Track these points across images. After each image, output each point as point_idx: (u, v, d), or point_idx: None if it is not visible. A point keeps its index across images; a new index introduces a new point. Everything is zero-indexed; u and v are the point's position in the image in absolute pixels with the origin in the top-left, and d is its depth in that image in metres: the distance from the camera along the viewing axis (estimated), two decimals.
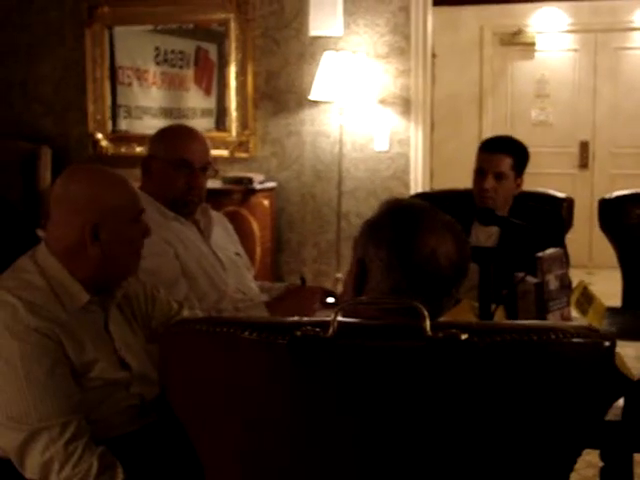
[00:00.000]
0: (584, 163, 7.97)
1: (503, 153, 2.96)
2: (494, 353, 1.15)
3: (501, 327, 1.20)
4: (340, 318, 1.18)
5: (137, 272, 2.06)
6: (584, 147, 7.95)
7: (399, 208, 1.49)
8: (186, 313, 2.25)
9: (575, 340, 1.17)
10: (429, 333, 1.14)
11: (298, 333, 1.16)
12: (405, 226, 1.43)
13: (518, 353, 1.15)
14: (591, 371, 1.19)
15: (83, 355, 1.83)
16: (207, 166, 2.63)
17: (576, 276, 2.44)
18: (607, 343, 1.18)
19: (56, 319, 1.80)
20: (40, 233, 1.96)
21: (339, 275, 4.84)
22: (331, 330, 1.16)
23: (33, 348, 1.75)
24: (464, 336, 1.14)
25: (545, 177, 6.11)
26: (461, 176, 5.47)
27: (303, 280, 2.71)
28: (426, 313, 1.15)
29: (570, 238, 3.12)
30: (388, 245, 1.41)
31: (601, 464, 2.48)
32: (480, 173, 2.98)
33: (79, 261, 1.88)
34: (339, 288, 4.08)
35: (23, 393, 1.73)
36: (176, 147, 2.59)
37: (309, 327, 1.18)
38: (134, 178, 2.71)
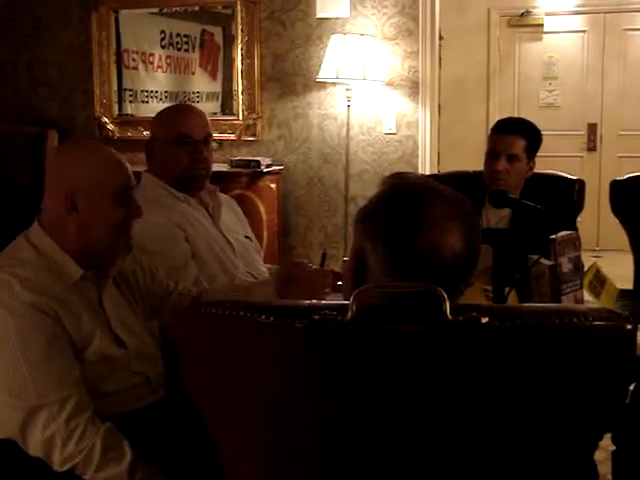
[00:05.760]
0: (592, 146, 7.92)
1: (516, 135, 2.93)
2: (515, 336, 1.13)
3: (522, 310, 1.18)
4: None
5: (131, 251, 2.04)
6: (592, 129, 7.91)
7: (397, 194, 1.36)
8: (181, 289, 2.26)
9: (597, 323, 1.15)
10: (449, 317, 1.12)
11: (316, 317, 1.14)
12: (403, 220, 1.30)
13: (539, 336, 1.14)
14: (613, 354, 1.17)
15: (81, 329, 1.84)
16: (208, 138, 2.63)
17: (584, 259, 2.42)
18: (629, 326, 1.17)
19: (52, 293, 1.81)
20: None
21: (346, 259, 4.82)
22: (349, 314, 1.14)
23: (29, 324, 1.75)
24: (484, 319, 1.12)
25: (553, 160, 6.07)
26: (468, 158, 5.46)
27: (324, 255, 2.66)
28: (445, 296, 1.13)
29: (578, 221, 3.10)
30: (384, 242, 1.31)
31: (613, 447, 2.47)
32: (492, 155, 2.94)
33: (63, 232, 1.89)
34: None
35: (20, 369, 1.73)
36: (174, 123, 2.60)
37: (327, 311, 1.16)
38: (141, 162, 2.71)
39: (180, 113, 2.67)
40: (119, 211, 1.93)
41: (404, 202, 1.33)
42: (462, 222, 1.32)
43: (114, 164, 1.94)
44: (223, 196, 2.81)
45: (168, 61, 5.44)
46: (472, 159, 4.04)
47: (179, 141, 2.57)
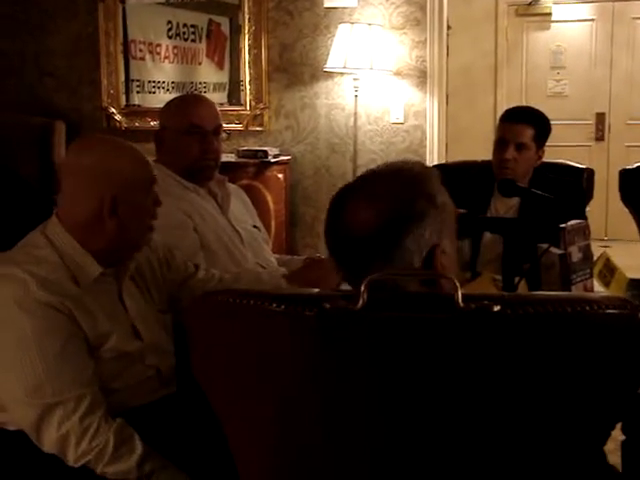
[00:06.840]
0: (600, 135, 7.89)
1: (525, 123, 2.92)
2: (527, 325, 1.13)
3: (534, 298, 1.17)
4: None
5: (150, 242, 2.03)
6: (600, 119, 7.88)
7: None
8: (202, 274, 2.25)
9: (609, 311, 1.14)
10: (461, 304, 1.12)
11: (327, 305, 1.14)
12: (329, 211, 1.40)
13: (551, 325, 1.13)
14: (626, 343, 1.16)
15: (96, 327, 1.83)
16: (218, 129, 2.63)
17: (592, 249, 2.40)
18: None
19: (67, 293, 1.79)
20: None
21: None
22: (361, 302, 1.14)
23: (44, 323, 1.74)
24: (496, 307, 1.11)
25: (560, 149, 6.03)
26: (476, 148, 5.44)
27: None
28: (458, 284, 1.13)
29: (587, 210, 3.08)
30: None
31: (622, 437, 2.46)
32: (501, 143, 2.93)
33: (94, 234, 1.86)
34: None
35: (36, 368, 1.73)
36: (185, 113, 2.60)
37: (338, 299, 1.15)
38: (149, 152, 2.70)
39: (191, 103, 2.67)
40: (151, 204, 1.93)
41: (333, 199, 1.41)
42: (371, 199, 1.34)
43: (141, 159, 1.93)
44: (232, 186, 2.81)
45: (175, 51, 5.43)
46: (480, 148, 4.02)
47: (189, 131, 2.56)
